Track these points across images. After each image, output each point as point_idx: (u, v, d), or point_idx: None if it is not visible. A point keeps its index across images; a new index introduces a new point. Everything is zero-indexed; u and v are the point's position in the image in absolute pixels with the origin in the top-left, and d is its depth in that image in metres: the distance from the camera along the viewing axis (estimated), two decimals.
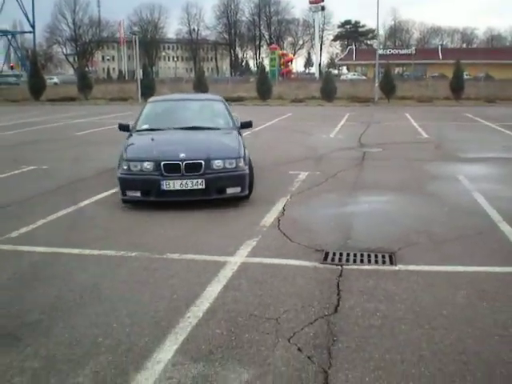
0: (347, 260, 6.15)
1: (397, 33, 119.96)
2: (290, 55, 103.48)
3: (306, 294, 5.18)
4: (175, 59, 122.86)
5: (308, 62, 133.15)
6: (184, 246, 6.65)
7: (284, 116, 27.56)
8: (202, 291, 5.25)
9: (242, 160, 8.59)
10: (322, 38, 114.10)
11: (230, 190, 8.48)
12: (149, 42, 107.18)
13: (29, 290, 5.38)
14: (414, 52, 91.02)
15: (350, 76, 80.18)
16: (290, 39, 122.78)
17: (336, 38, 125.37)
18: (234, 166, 8.47)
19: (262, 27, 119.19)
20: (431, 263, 6.06)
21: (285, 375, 3.79)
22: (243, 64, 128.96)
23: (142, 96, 37.62)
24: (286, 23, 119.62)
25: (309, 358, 4.01)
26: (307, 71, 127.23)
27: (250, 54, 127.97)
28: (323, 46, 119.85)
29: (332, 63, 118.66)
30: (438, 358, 4.01)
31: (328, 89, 38.51)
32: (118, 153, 9.07)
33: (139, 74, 43.40)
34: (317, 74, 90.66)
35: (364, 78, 76.21)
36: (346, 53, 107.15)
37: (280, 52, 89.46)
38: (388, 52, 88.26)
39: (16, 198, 9.37)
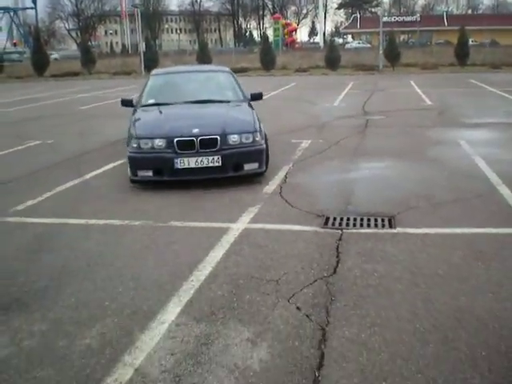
0: (347, 224, 6.27)
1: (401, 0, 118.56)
2: (294, 25, 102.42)
3: (306, 257, 5.31)
4: (178, 31, 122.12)
5: (312, 32, 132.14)
6: (187, 214, 6.77)
7: (288, 86, 27.53)
8: (205, 256, 5.39)
9: (258, 134, 8.14)
10: (325, 6, 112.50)
11: (247, 167, 8.03)
12: (151, 14, 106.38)
13: (36, 260, 5.54)
14: (418, 19, 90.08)
15: (355, 44, 79.53)
16: (293, 8, 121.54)
17: (340, 7, 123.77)
18: (250, 140, 8.01)
19: None
20: (430, 226, 6.17)
21: (284, 332, 3.93)
22: (247, 35, 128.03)
23: (146, 69, 37.68)
24: None
25: (307, 316, 4.16)
26: (312, 40, 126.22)
27: (253, 24, 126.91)
28: (327, 15, 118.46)
29: (337, 32, 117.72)
30: (432, 315, 4.15)
31: (332, 58, 38.36)
32: (121, 126, 9.16)
33: (142, 47, 43.27)
34: (321, 43, 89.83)
35: (369, 46, 75.52)
36: (350, 21, 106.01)
37: (283, 22, 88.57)
38: (393, 19, 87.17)
39: (22, 172, 9.52)
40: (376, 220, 6.40)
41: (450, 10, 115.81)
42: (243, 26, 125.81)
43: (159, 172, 7.87)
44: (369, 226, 6.23)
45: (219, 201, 7.33)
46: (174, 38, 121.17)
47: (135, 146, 7.92)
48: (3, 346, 3.90)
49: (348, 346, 3.74)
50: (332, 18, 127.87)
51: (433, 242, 5.70)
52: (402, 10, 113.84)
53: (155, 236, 6.07)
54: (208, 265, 5.19)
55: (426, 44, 71.13)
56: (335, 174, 8.72)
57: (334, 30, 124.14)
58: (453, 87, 24.36)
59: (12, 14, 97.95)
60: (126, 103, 9.67)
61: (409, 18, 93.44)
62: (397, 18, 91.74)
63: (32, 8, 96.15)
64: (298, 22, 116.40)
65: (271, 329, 3.99)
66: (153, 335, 3.96)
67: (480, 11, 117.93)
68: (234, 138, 7.94)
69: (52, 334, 4.03)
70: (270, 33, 76.99)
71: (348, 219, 6.43)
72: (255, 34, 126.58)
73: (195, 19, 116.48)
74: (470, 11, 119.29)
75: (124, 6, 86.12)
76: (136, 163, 7.95)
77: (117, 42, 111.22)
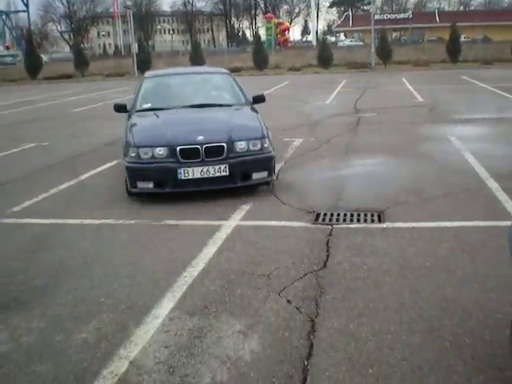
0: (337, 220, 6.41)
1: None
2: (286, 24, 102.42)
3: (297, 252, 5.45)
4: (171, 32, 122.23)
5: (305, 30, 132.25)
6: (180, 213, 6.89)
7: (281, 85, 27.67)
8: (198, 253, 5.52)
9: (266, 140, 7.63)
10: (318, 5, 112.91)
11: (255, 176, 7.48)
12: (143, 15, 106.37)
13: (34, 259, 5.66)
14: (410, 16, 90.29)
15: (348, 42, 79.86)
16: (285, 7, 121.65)
17: (332, 5, 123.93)
18: (258, 147, 7.49)
19: None
20: (418, 220, 6.31)
21: (274, 324, 4.07)
22: (240, 34, 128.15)
23: (139, 70, 37.81)
24: None
25: (297, 308, 4.29)
26: (304, 39, 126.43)
27: (246, 24, 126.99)
28: (320, 14, 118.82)
29: (329, 30, 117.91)
30: (419, 305, 4.28)
31: (324, 56, 38.56)
32: (115, 128, 9.23)
33: (135, 48, 43.36)
34: (314, 42, 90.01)
35: (361, 44, 75.76)
36: (342, 19, 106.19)
37: (276, 21, 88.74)
38: (385, 17, 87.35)
39: (18, 174, 9.62)
40: (366, 215, 6.53)
41: (441, 6, 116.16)
42: (236, 25, 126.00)
43: (161, 183, 7.31)
44: (358, 221, 6.37)
45: (212, 199, 7.43)
46: (166, 38, 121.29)
47: (134, 155, 7.33)
48: (3, 342, 4.02)
49: (336, 337, 3.87)
50: (324, 17, 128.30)
51: (421, 235, 5.84)
52: (394, 8, 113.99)
53: (150, 234, 6.20)
54: (201, 261, 5.32)
55: (418, 41, 71.38)
56: (326, 172, 8.85)
57: (326, 28, 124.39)
58: (444, 84, 24.54)
59: (4, 17, 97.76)
60: (120, 108, 8.98)
61: (401, 16, 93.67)
62: (389, 16, 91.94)
63: (24, 11, 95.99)
64: (291, 21, 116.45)
65: (262, 321, 4.12)
66: (147, 329, 4.09)
67: (472, 7, 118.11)
68: (241, 145, 7.41)
69: (50, 330, 4.15)
70: (262, 32, 77.37)
71: (338, 215, 6.57)
72: (248, 33, 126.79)
73: (188, 20, 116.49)
74: (461, 8, 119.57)
75: (116, 7, 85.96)
76: (135, 174, 7.35)
77: (109, 44, 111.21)
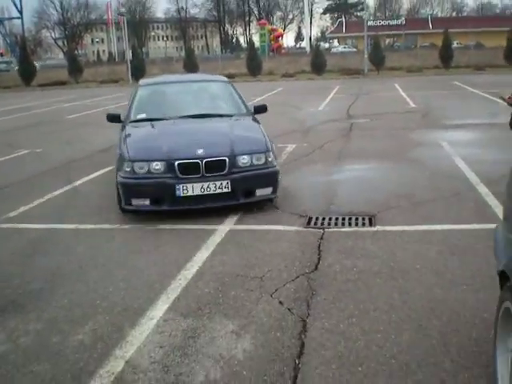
0: (329, 224, 6.52)
1: (386, 3, 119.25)
2: (280, 30, 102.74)
3: (289, 256, 5.55)
4: (165, 39, 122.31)
5: (298, 37, 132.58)
6: (174, 218, 6.95)
7: (274, 91, 27.83)
8: (192, 256, 5.61)
9: (271, 154, 7.18)
10: (311, 11, 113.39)
11: (259, 192, 7.01)
12: (137, 22, 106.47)
13: (30, 263, 5.74)
14: (403, 22, 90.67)
15: (341, 49, 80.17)
16: (279, 14, 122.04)
17: (326, 11, 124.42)
18: (262, 161, 7.03)
19: (250, 2, 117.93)
20: (408, 223, 6.43)
21: (266, 325, 4.16)
22: (233, 41, 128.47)
23: (133, 77, 37.95)
24: None
25: (289, 309, 4.39)
26: (298, 46, 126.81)
27: (239, 30, 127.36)
28: (313, 20, 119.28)
29: (323, 37, 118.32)
30: (408, 306, 4.39)
31: (318, 62, 38.80)
32: (109, 134, 9.29)
33: (129, 55, 43.50)
34: (307, 48, 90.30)
35: (354, 50, 76.05)
36: (336, 25, 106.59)
37: (269, 27, 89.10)
38: (378, 23, 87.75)
39: (13, 180, 9.70)
40: (357, 219, 6.64)
41: (434, 13, 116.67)
42: (229, 32, 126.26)
43: (158, 200, 6.80)
44: (350, 224, 6.48)
45: None
46: (160, 45, 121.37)
47: (128, 170, 6.81)
48: (0, 343, 4.10)
49: (327, 336, 3.97)
50: (318, 23, 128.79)
51: (411, 238, 5.95)
52: (387, 14, 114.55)
53: (144, 239, 6.29)
54: (195, 264, 5.41)
55: (411, 47, 71.74)
56: (319, 177, 8.97)
57: (320, 34, 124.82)
58: (437, 89, 24.74)
59: None
60: (113, 118, 8.50)
61: (394, 22, 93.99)
62: (382, 22, 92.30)
63: (18, 18, 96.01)
64: (284, 28, 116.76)
65: (255, 321, 4.22)
66: (142, 330, 4.18)
67: (464, 13, 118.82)
68: (244, 160, 6.92)
69: (47, 332, 4.23)
70: (256, 39, 77.59)
71: (330, 219, 6.68)
72: (242, 40, 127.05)
73: (181, 26, 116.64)
74: (454, 14, 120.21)
75: (110, 14, 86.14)
76: (130, 190, 6.83)
77: (103, 51, 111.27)
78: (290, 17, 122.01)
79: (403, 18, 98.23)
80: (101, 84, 41.43)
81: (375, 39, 39.69)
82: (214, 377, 3.54)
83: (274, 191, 7.14)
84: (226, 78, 10.03)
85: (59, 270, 5.49)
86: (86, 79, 44.06)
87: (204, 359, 3.74)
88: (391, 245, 5.75)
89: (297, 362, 3.66)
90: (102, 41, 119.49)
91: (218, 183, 6.73)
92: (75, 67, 43.31)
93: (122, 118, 8.39)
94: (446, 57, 37.26)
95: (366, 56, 38.40)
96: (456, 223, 6.41)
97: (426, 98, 20.53)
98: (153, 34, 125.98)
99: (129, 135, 7.57)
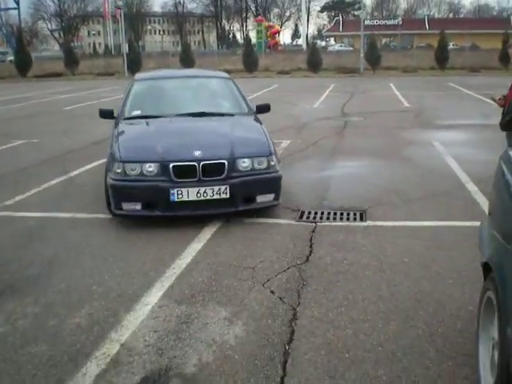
0: (321, 218, 6.66)
1: (384, 3, 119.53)
2: (277, 27, 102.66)
3: (281, 248, 5.69)
4: (161, 33, 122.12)
5: (295, 34, 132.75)
6: None
7: (270, 88, 27.93)
8: (187, 247, 5.74)
9: (274, 157, 6.69)
10: (308, 9, 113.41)
11: (260, 199, 6.58)
12: (134, 15, 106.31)
13: (27, 250, 5.84)
14: (400, 23, 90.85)
15: (338, 47, 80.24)
16: (276, 11, 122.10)
17: (323, 9, 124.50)
18: (264, 165, 6.56)
19: None
20: (398, 219, 6.59)
21: (258, 312, 4.30)
22: (230, 37, 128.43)
23: (129, 70, 38.00)
24: None
25: (280, 298, 4.53)
26: (294, 43, 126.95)
27: (236, 26, 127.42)
28: (310, 18, 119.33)
29: (319, 35, 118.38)
30: (395, 297, 4.53)
31: (314, 60, 38.89)
32: (104, 126, 9.34)
33: (125, 48, 43.51)
34: (304, 46, 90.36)
35: (351, 49, 76.22)
36: (332, 24, 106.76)
37: (266, 24, 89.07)
38: (375, 23, 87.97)
39: (9, 169, 9.79)
40: (348, 214, 6.79)
41: (431, 13, 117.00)
42: (226, 28, 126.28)
43: (150, 205, 6.35)
44: (341, 219, 6.62)
45: None
46: (157, 39, 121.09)
47: (119, 171, 6.35)
48: None
49: (316, 324, 4.11)
50: (315, 21, 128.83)
51: (400, 233, 6.10)
52: (384, 14, 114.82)
53: (140, 228, 6.40)
54: (189, 254, 5.54)
55: (407, 47, 71.88)
56: (312, 172, 9.10)
57: (316, 32, 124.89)
58: (431, 90, 24.91)
59: None
60: (106, 114, 8.06)
61: (391, 22, 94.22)
62: (379, 22, 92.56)
63: (15, 8, 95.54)
64: (281, 25, 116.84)
65: (247, 309, 4.35)
66: (137, 315, 4.30)
67: (461, 15, 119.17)
68: (244, 163, 6.47)
69: (44, 315, 4.35)
70: (252, 35, 77.55)
71: (322, 213, 6.82)
72: (238, 36, 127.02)
73: (178, 21, 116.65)
74: (451, 15, 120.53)
75: (107, 6, 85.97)
76: (120, 193, 6.39)
77: (100, 43, 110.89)
78: (287, 14, 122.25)
79: (400, 18, 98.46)
80: (97, 76, 41.44)
81: (372, 38, 39.85)
82: (207, 360, 3.66)
83: (277, 198, 6.71)
84: (227, 74, 9.46)
85: (56, 257, 5.60)
86: (82, 71, 44.03)
87: (197, 343, 3.87)
88: (381, 239, 5.89)
89: (287, 347, 3.79)
90: (99, 33, 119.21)
91: (216, 188, 6.26)
92: (71, 59, 43.24)
93: (116, 114, 7.97)
94: (442, 58, 37.47)
95: (362, 55, 38.57)
96: (445, 220, 6.56)
97: (420, 98, 20.70)
98: (149, 27, 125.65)
99: (121, 133, 7.10)
